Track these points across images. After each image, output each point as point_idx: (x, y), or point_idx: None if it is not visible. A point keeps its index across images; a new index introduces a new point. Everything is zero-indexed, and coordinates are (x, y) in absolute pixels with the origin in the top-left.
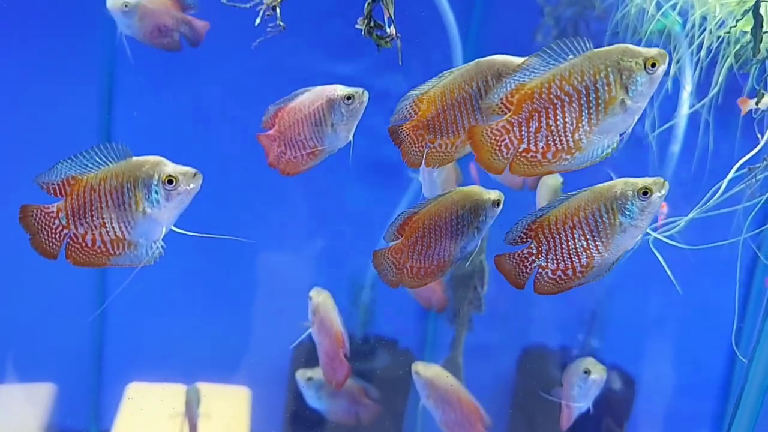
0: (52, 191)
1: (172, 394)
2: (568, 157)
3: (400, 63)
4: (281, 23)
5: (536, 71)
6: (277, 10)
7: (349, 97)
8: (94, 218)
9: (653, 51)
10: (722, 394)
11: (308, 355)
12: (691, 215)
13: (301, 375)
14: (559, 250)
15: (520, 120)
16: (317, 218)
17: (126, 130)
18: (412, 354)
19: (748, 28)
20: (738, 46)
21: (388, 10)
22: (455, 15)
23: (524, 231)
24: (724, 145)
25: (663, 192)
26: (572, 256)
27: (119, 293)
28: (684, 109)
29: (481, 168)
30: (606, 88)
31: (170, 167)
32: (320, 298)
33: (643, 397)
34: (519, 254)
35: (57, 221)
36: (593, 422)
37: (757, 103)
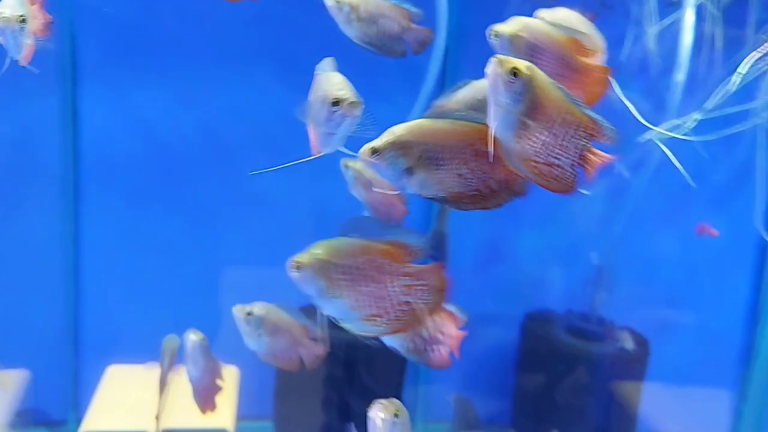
0: None
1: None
2: None
3: None
4: None
5: None
6: None
7: (334, 103)
8: None
9: None
10: (742, 348)
11: None
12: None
13: (240, 311)
14: None
15: None
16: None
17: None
18: None
19: None
20: None
21: None
22: None
23: None
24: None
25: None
26: None
27: (94, 270)
28: None
29: None
30: None
31: None
32: None
33: (657, 356)
34: None
35: None
36: (608, 384)
37: None
